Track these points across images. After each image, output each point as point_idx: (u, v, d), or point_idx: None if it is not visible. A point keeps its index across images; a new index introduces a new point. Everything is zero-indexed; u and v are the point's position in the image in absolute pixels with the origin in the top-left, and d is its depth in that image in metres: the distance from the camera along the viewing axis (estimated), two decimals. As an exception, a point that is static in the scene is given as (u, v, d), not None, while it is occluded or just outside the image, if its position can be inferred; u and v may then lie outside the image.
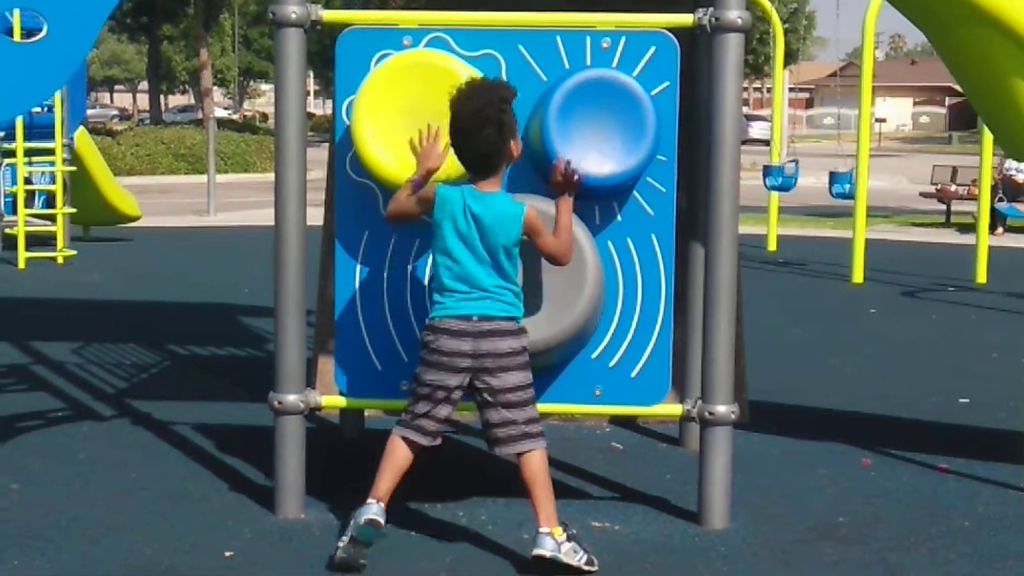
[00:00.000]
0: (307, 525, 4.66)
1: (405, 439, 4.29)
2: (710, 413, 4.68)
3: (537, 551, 4.14)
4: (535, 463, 4.22)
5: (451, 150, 4.33)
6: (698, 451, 4.79)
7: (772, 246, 15.08)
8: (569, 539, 4.17)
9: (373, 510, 4.21)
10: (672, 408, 4.88)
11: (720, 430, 4.69)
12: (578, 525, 4.60)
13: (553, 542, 4.13)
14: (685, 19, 4.66)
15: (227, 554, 4.38)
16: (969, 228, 16.43)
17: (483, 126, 4.17)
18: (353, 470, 5.36)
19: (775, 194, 15.05)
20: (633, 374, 4.75)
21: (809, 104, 78.67)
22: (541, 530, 4.16)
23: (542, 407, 4.55)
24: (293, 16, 4.60)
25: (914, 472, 5.50)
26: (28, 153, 13.08)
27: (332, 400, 4.90)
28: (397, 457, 4.29)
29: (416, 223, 4.47)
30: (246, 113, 63.34)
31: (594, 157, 4.49)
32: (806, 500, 5.10)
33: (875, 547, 4.56)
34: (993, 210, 15.72)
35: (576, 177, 4.34)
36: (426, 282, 4.64)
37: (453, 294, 4.23)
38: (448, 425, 4.34)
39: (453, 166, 4.38)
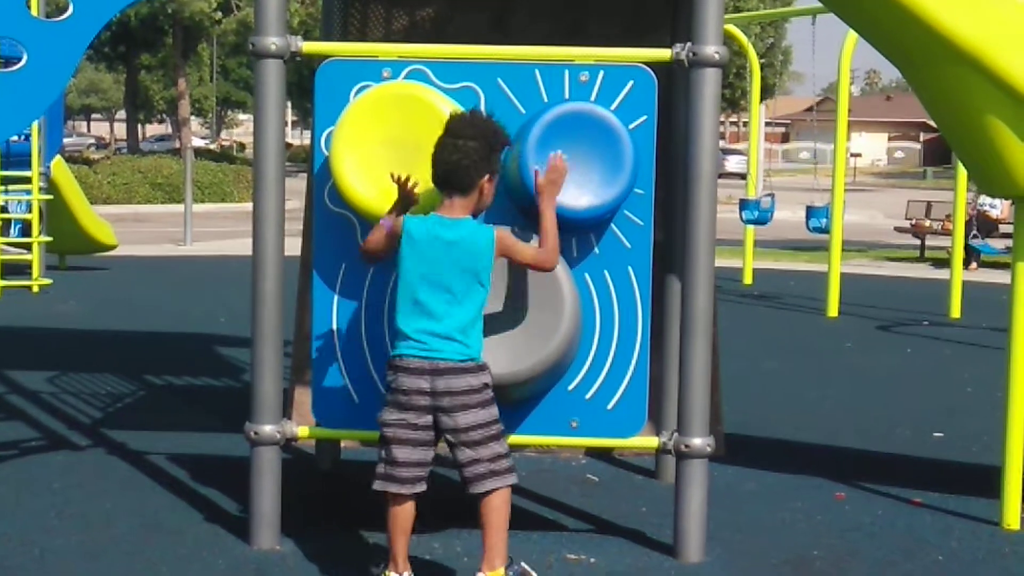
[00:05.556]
0: (282, 556, 4.64)
1: (387, 494, 4.19)
2: (686, 446, 4.69)
3: None
4: (494, 502, 4.16)
5: (427, 183, 4.28)
6: (674, 484, 4.80)
7: (748, 279, 15.12)
8: None
9: None
10: (648, 440, 4.88)
11: (696, 463, 4.70)
12: (553, 557, 4.60)
13: None
14: (663, 54, 4.69)
15: (201, 585, 4.37)
16: (943, 263, 16.52)
17: (470, 137, 4.15)
18: (329, 501, 5.35)
19: (751, 227, 15.13)
20: (609, 406, 4.75)
21: (785, 138, 79.12)
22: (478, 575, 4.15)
23: (518, 439, 4.55)
24: (273, 48, 4.61)
25: (888, 506, 5.52)
26: (4, 181, 13.01)
27: (309, 431, 4.90)
28: (398, 520, 4.20)
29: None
30: (224, 143, 63.28)
31: (572, 190, 4.50)
32: (781, 533, 5.11)
33: (850, 580, 4.58)
34: (967, 245, 15.83)
35: (563, 163, 4.33)
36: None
37: (412, 332, 4.16)
38: (426, 469, 4.22)
39: (428, 201, 4.38)
